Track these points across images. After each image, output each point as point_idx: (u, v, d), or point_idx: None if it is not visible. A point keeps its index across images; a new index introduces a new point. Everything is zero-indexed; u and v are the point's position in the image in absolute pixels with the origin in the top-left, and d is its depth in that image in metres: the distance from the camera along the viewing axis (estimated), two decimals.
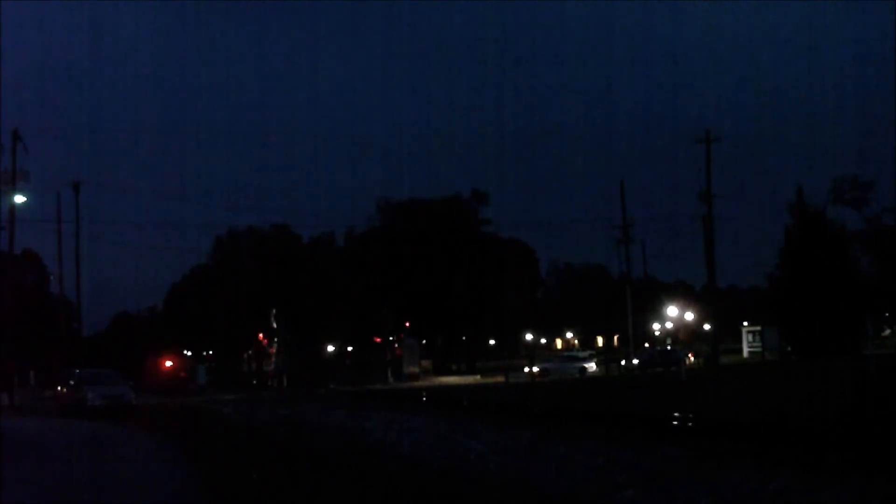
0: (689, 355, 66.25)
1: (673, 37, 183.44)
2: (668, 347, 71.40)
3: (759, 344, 68.80)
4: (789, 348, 63.01)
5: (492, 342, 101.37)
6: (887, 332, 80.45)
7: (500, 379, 59.58)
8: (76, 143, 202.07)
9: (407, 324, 72.32)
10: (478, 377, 69.40)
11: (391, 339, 69.54)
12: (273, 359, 70.69)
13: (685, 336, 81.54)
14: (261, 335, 72.10)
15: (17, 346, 47.23)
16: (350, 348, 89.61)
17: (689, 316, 78.84)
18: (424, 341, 78.94)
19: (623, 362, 67.05)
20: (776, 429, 17.25)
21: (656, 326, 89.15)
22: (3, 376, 45.21)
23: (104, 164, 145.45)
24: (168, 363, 66.24)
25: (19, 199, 46.52)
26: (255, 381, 75.36)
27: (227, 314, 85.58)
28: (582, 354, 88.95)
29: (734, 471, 11.97)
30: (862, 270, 64.17)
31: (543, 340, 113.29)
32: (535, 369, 62.11)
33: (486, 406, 29.82)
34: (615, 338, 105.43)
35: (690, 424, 19.57)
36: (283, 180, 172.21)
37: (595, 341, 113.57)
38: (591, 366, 63.10)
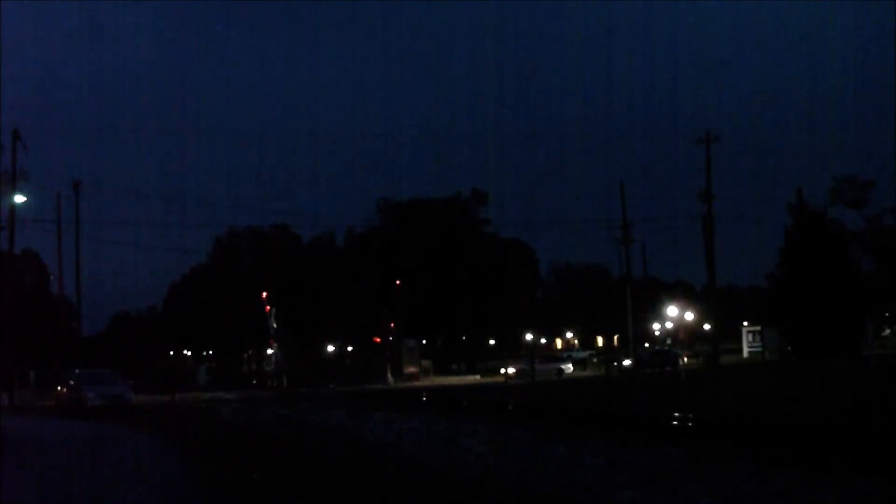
0: (684, 356, 66.32)
1: (673, 37, 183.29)
2: (666, 348, 71.42)
3: (759, 344, 68.78)
4: (789, 348, 63.00)
5: (492, 342, 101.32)
6: (887, 332, 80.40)
7: (500, 379, 59.62)
8: (76, 143, 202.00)
9: (406, 324, 72.30)
10: (478, 377, 69.45)
11: (391, 339, 69.55)
12: (273, 359, 70.64)
13: (685, 336, 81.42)
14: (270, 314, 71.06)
15: (17, 346, 47.23)
16: (350, 348, 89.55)
17: (689, 316, 78.73)
18: (424, 341, 78.92)
19: (616, 363, 67.10)
20: (776, 429, 17.25)
21: (656, 326, 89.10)
22: (3, 376, 45.20)
23: (104, 164, 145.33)
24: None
25: (19, 199, 46.53)
26: (255, 381, 75.33)
27: (227, 314, 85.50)
28: (581, 354, 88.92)
29: (734, 471, 11.97)
30: (862, 270, 64.17)
31: (543, 340, 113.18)
32: (511, 370, 62.39)
33: (485, 406, 29.84)
34: (615, 338, 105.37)
35: (690, 425, 19.58)
36: (283, 180, 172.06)
37: (595, 341, 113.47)
38: (568, 367, 63.02)
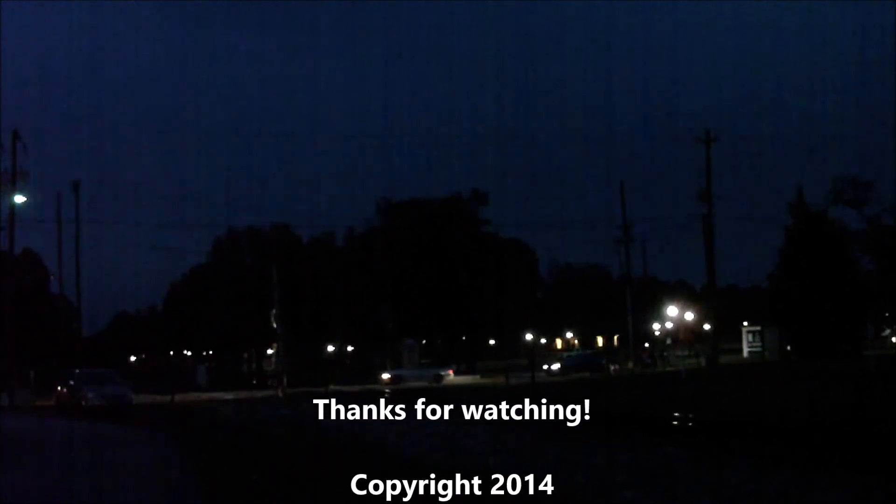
0: (608, 364, 65.94)
1: (673, 36, 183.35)
2: (590, 351, 70.39)
3: (759, 344, 68.75)
4: (788, 348, 63.00)
5: (492, 342, 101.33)
6: (887, 332, 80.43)
7: (501, 379, 59.55)
8: (76, 143, 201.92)
9: (406, 324, 72.30)
10: (478, 377, 69.39)
11: (391, 339, 69.59)
12: (273, 359, 70.62)
13: (685, 336, 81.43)
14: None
15: (17, 346, 47.22)
16: (350, 348, 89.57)
17: (689, 316, 78.72)
18: (424, 341, 78.89)
19: (545, 366, 65.61)
20: (776, 429, 17.24)
21: (656, 326, 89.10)
22: (2, 376, 45.19)
23: (104, 164, 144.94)
24: None
25: (19, 199, 46.55)
26: (255, 381, 75.33)
27: (226, 314, 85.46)
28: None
29: (734, 471, 11.97)
30: (862, 270, 64.15)
31: (543, 340, 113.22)
32: (385, 376, 61.60)
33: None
34: (615, 338, 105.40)
35: (690, 424, 19.60)
36: (283, 180, 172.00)
37: (595, 341, 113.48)
38: (449, 374, 61.81)
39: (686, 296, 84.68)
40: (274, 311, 69.30)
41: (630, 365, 66.00)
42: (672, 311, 77.87)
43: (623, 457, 13.88)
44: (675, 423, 20.13)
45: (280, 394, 53.17)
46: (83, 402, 34.34)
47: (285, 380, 64.79)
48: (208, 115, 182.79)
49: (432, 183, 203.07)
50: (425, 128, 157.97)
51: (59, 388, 38.88)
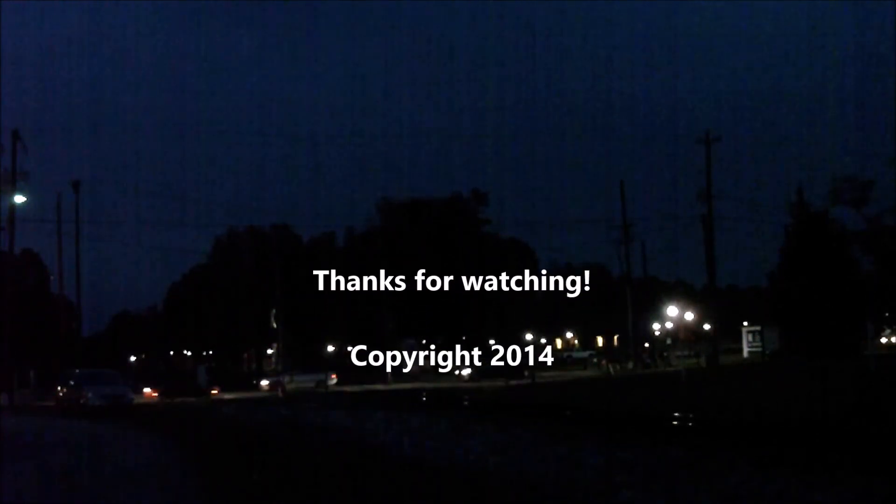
0: (532, 370, 64.86)
1: (673, 36, 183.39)
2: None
3: (759, 344, 68.78)
4: (787, 348, 62.96)
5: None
6: (887, 332, 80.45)
7: (501, 382, 59.47)
8: (76, 143, 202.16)
9: (406, 324, 72.29)
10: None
11: (392, 338, 69.56)
12: (273, 359, 70.64)
13: (685, 336, 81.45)
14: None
15: (17, 346, 47.25)
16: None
17: (689, 316, 78.76)
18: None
19: (456, 372, 64.09)
20: (776, 429, 17.23)
21: (656, 326, 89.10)
22: (2, 376, 45.23)
23: (104, 164, 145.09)
24: None
25: (19, 199, 46.56)
26: (255, 381, 75.31)
27: (227, 314, 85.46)
28: (581, 354, 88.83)
29: (734, 471, 11.96)
30: (862, 270, 64.15)
31: (543, 340, 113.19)
32: (264, 383, 61.09)
33: (486, 406, 29.84)
34: (615, 338, 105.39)
35: (690, 424, 19.60)
36: (283, 180, 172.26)
37: (595, 341, 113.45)
38: (332, 380, 60.91)
39: (686, 296, 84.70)
40: (274, 310, 69.41)
41: (630, 365, 66.08)
42: (672, 311, 77.91)
43: (623, 457, 13.88)
44: (675, 423, 20.12)
45: (280, 394, 53.21)
46: (83, 402, 34.35)
47: (285, 380, 64.86)
48: (208, 115, 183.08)
49: (432, 183, 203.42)
50: (425, 128, 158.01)
51: (59, 388, 38.92)
